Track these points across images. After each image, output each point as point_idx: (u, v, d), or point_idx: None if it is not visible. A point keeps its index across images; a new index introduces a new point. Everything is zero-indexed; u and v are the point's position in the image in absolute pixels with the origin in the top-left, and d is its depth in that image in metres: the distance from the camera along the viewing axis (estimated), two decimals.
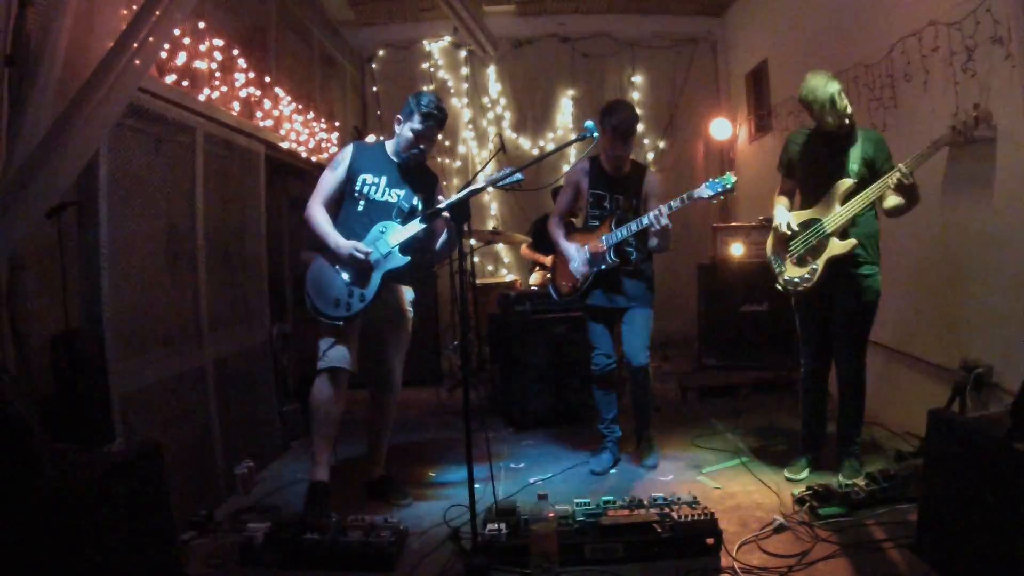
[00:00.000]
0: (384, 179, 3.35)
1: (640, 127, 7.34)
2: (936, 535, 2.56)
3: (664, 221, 3.49)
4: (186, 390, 3.29)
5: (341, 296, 3.24)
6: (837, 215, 3.21)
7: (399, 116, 3.36)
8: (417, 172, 3.44)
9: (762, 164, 6.57)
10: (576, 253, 3.81)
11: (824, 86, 3.14)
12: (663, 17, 7.43)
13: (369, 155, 3.42)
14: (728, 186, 3.46)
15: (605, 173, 3.81)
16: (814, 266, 3.29)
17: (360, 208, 3.32)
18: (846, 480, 3.25)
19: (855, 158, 3.23)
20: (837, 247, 3.22)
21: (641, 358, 3.70)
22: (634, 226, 3.63)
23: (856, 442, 3.44)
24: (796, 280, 3.37)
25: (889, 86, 4.09)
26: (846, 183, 3.22)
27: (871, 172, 3.22)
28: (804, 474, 3.51)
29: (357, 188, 3.32)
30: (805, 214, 3.37)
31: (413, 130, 3.29)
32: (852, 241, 3.21)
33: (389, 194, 3.34)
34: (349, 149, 3.42)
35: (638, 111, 3.82)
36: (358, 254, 3.18)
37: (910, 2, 3.83)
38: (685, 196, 3.49)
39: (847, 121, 3.19)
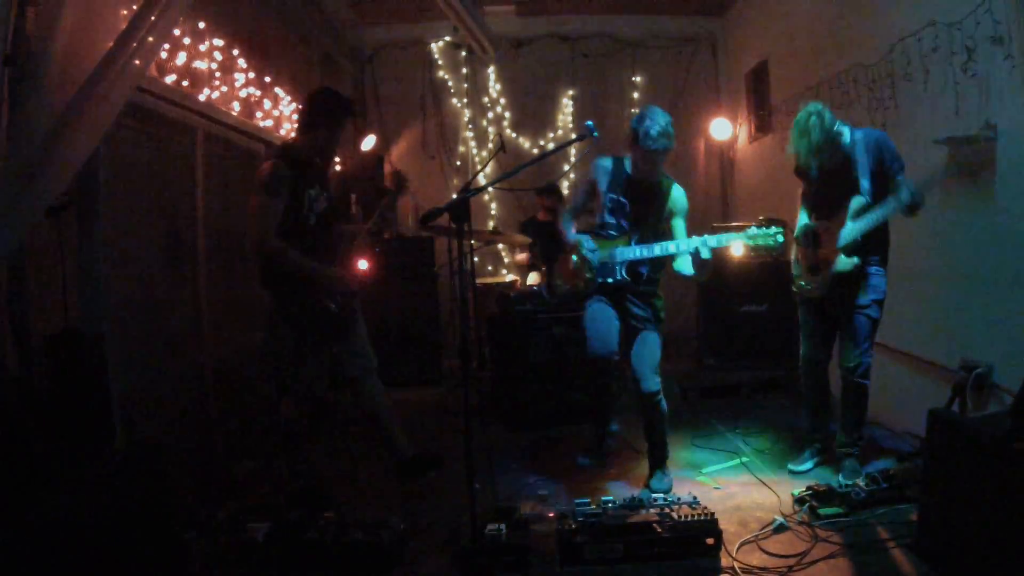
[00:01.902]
0: (317, 187, 3.22)
1: None
2: (936, 535, 2.56)
3: (706, 255, 3.20)
4: (186, 390, 3.29)
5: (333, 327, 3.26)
6: (848, 232, 3.25)
7: (320, 119, 3.18)
8: (322, 170, 3.34)
9: (762, 164, 6.57)
10: (591, 245, 3.47)
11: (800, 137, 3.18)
12: (663, 17, 7.42)
13: (297, 168, 3.14)
14: (773, 243, 3.23)
15: (630, 178, 3.46)
16: (822, 277, 3.39)
17: (312, 222, 3.18)
18: (846, 480, 3.27)
19: (864, 172, 3.22)
20: (842, 263, 3.28)
21: (650, 383, 3.40)
22: (657, 249, 3.32)
23: (857, 443, 3.47)
24: (809, 287, 3.49)
25: (889, 86, 4.09)
26: (859, 201, 3.23)
27: (881, 178, 3.22)
28: (808, 466, 3.57)
29: (305, 205, 3.15)
30: (820, 224, 3.44)
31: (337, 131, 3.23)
32: (855, 261, 3.27)
33: (325, 200, 3.25)
34: (283, 168, 3.08)
35: (636, 111, 3.76)
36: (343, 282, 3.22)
37: (910, 2, 3.83)
38: (731, 236, 3.26)
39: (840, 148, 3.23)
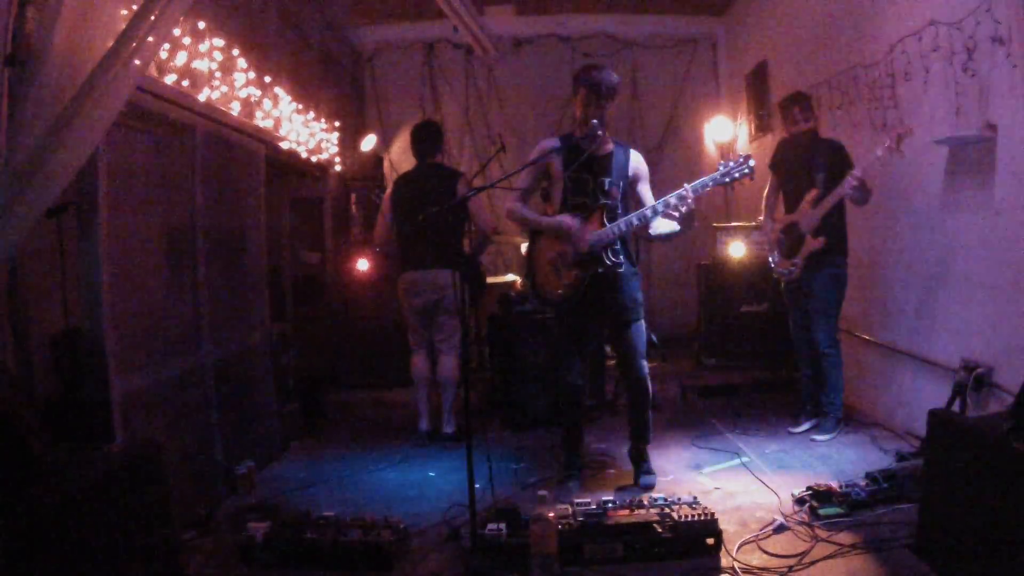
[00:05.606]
0: None
1: (640, 127, 7.41)
2: (936, 535, 2.56)
3: (690, 204, 3.12)
4: (186, 390, 3.29)
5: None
6: (810, 217, 3.95)
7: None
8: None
9: (762, 164, 6.54)
10: (579, 224, 3.27)
11: None
12: (663, 17, 7.43)
13: None
14: (747, 171, 3.22)
15: (583, 152, 3.24)
16: (797, 259, 4.04)
17: None
18: (822, 437, 3.99)
19: (820, 168, 3.93)
20: (811, 243, 3.95)
21: (640, 368, 3.45)
22: (636, 218, 3.22)
23: (835, 404, 4.07)
24: (784, 272, 4.15)
25: (889, 86, 4.09)
26: (814, 193, 3.93)
27: (834, 179, 3.84)
28: (805, 427, 4.17)
29: None
30: (788, 218, 4.12)
31: None
32: (822, 239, 3.90)
33: None
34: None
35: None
36: None
37: (910, 2, 3.83)
38: (708, 179, 3.17)
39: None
